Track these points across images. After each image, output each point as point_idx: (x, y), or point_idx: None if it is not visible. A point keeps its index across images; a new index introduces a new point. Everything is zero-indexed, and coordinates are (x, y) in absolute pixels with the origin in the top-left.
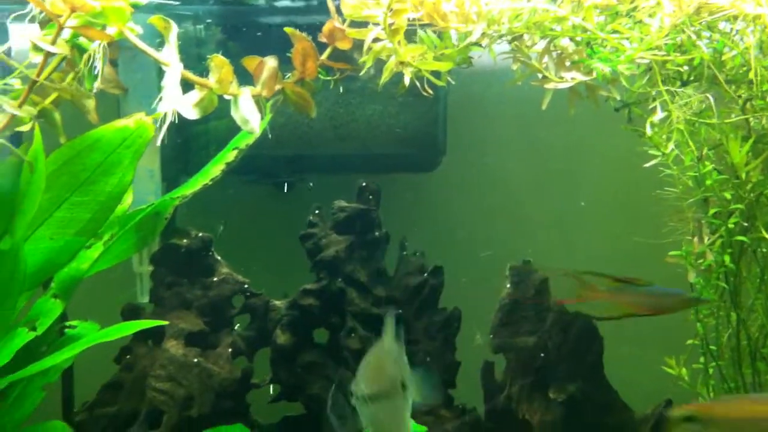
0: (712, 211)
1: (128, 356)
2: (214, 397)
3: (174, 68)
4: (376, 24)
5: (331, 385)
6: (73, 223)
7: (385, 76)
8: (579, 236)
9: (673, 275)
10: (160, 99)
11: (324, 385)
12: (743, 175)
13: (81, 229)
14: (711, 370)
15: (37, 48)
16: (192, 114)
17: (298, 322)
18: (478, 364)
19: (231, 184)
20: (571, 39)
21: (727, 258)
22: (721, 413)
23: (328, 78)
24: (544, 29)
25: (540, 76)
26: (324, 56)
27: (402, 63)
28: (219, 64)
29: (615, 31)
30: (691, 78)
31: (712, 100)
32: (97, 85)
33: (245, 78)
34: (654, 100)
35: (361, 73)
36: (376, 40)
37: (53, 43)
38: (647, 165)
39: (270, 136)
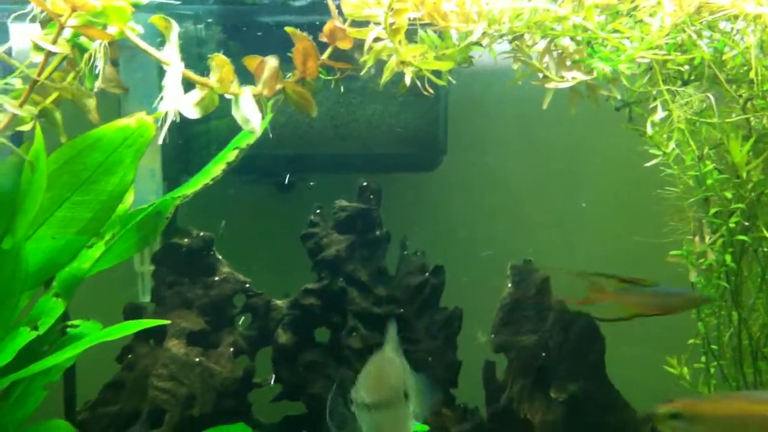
0: (713, 211)
1: (130, 355)
2: (216, 396)
3: (175, 67)
4: (377, 23)
5: (333, 384)
6: (74, 223)
7: (386, 76)
8: (580, 236)
9: (674, 275)
10: (161, 98)
11: (325, 384)
12: (744, 175)
13: (82, 229)
14: (712, 370)
15: (38, 47)
16: (193, 113)
17: (300, 321)
18: (479, 363)
19: (232, 184)
20: (572, 38)
21: (728, 257)
22: (707, 410)
23: (329, 77)
24: (545, 29)
25: (541, 75)
26: (325, 56)
27: (403, 62)
28: (220, 63)
29: (616, 31)
30: (692, 77)
31: (712, 99)
32: (98, 84)
33: (246, 77)
34: (655, 99)
35: (362, 73)
36: (376, 39)
37: (54, 42)
38: (648, 164)
39: (271, 135)
